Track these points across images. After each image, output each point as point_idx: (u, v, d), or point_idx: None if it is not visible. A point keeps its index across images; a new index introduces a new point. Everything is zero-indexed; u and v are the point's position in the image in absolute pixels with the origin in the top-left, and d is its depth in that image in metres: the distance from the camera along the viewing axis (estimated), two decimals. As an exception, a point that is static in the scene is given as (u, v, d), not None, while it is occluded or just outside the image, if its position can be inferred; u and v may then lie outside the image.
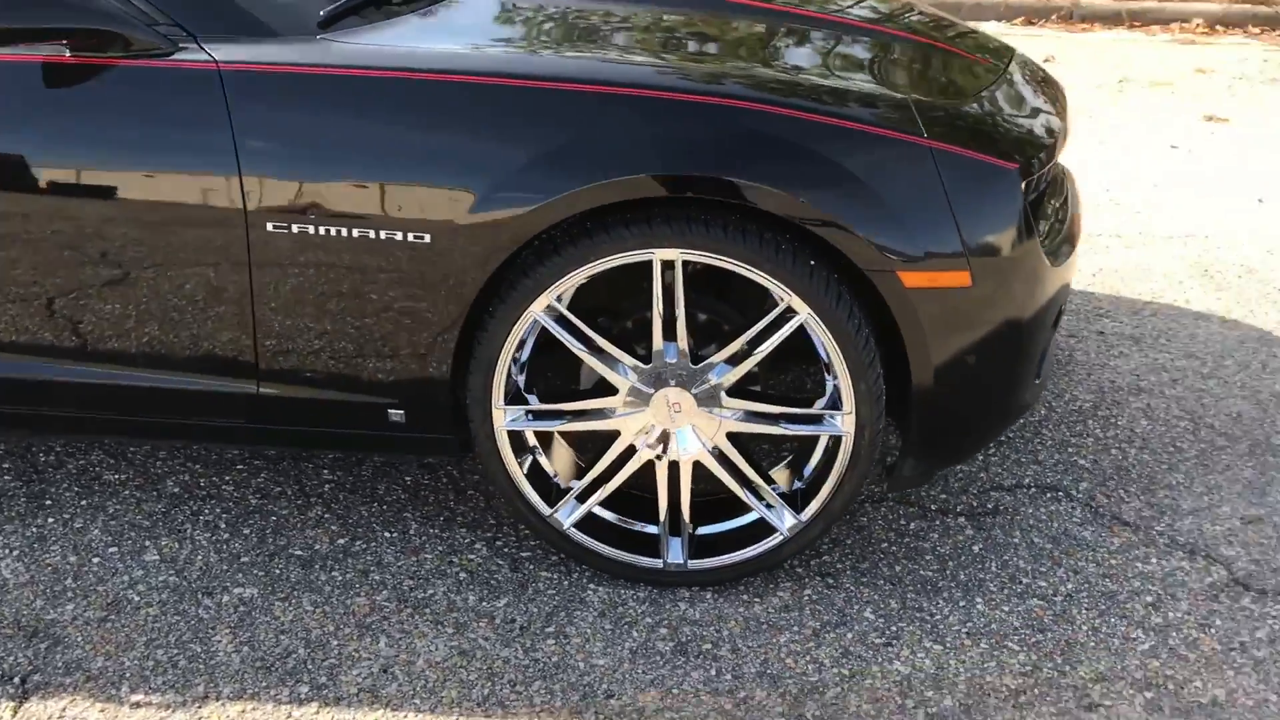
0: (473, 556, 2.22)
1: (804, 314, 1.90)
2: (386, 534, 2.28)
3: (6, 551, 2.21)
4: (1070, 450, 2.56)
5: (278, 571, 2.17)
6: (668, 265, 1.91)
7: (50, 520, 2.30)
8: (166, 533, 2.27)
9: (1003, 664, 1.95)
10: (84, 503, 2.35)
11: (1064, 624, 2.04)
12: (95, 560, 2.19)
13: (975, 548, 2.25)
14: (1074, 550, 2.24)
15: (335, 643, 2.00)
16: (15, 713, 1.84)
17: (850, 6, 2.63)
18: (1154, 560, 2.21)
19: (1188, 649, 1.98)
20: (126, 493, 2.39)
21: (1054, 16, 7.07)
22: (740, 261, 1.88)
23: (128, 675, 1.92)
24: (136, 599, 2.10)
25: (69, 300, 2.04)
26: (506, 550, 2.24)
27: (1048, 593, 2.12)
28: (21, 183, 1.97)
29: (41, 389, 2.13)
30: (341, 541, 2.26)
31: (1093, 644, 1.99)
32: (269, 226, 1.91)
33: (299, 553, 2.23)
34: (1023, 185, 1.97)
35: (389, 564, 2.19)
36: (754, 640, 2.01)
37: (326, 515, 2.34)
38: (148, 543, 2.24)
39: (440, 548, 2.24)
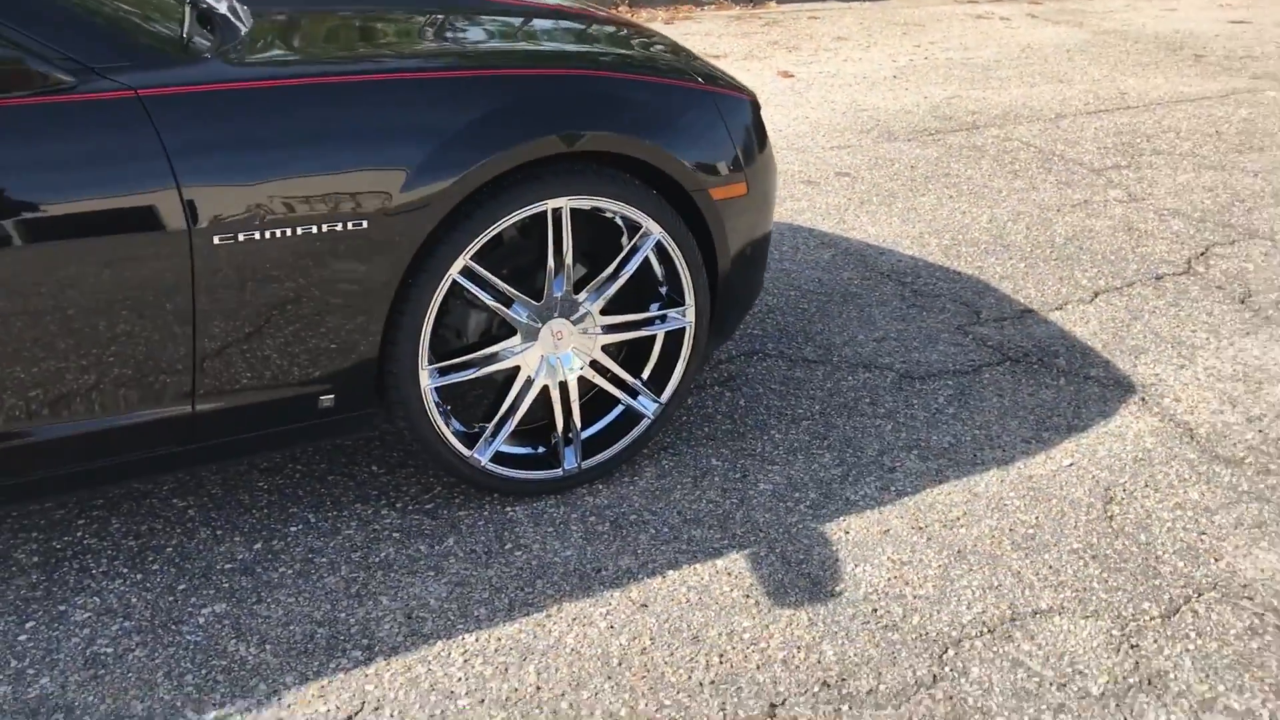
0: (391, 519, 2.43)
1: (657, 233, 2.42)
2: (293, 528, 2.40)
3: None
4: (753, 324, 3.33)
5: (225, 584, 2.22)
6: (556, 213, 2.32)
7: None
8: (75, 593, 2.18)
9: (813, 459, 2.66)
10: (-46, 596, 2.15)
11: (829, 426, 2.80)
12: (29, 638, 2.06)
13: (741, 403, 2.94)
14: (803, 384, 3.02)
15: (343, 614, 2.15)
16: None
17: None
18: (851, 377, 3.06)
19: (921, 412, 2.85)
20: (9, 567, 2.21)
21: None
22: (612, 200, 2.35)
23: (170, 710, 1.92)
24: (111, 650, 2.04)
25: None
26: (412, 507, 2.47)
27: (808, 414, 2.87)
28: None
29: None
30: (258, 546, 2.34)
31: (859, 430, 2.78)
32: (217, 235, 1.98)
33: (230, 565, 2.27)
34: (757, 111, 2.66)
35: (321, 548, 2.33)
36: (659, 503, 2.51)
37: (226, 529, 2.38)
38: (65, 607, 2.14)
39: (354, 523, 2.42)
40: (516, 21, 2.80)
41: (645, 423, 2.58)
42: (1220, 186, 4.59)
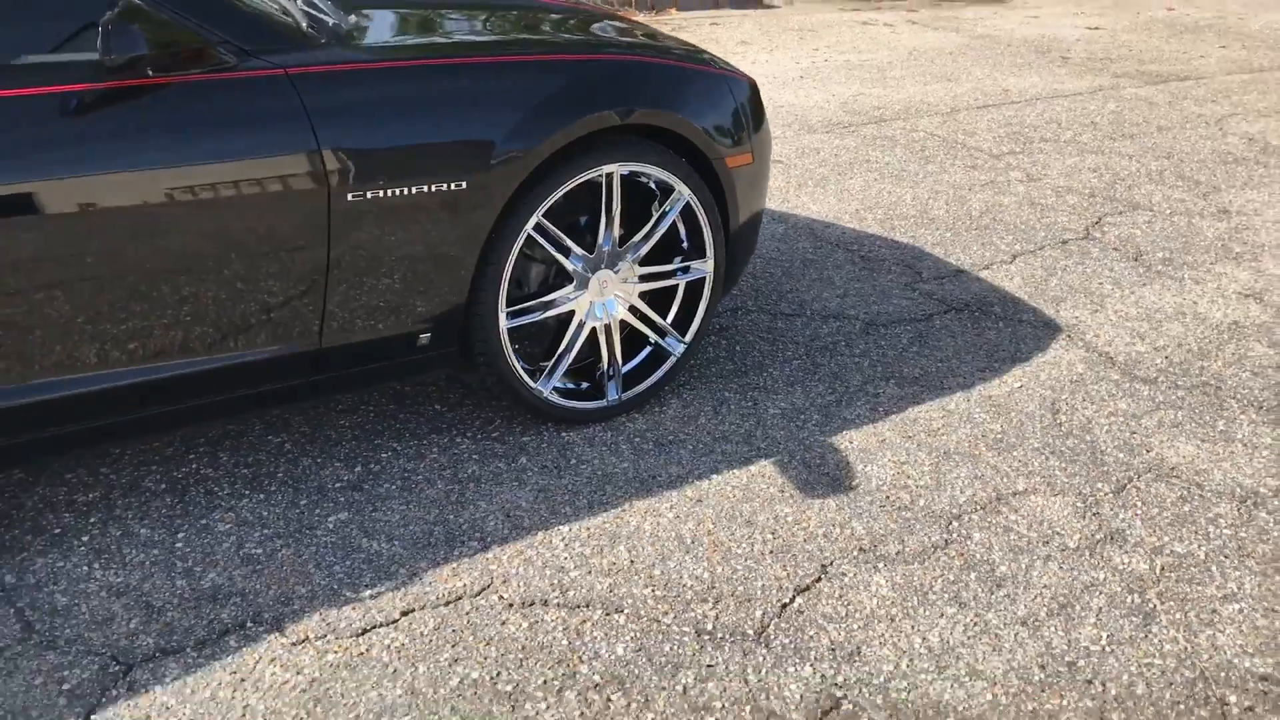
0: (466, 445, 2.82)
1: (686, 195, 2.87)
2: (383, 454, 2.76)
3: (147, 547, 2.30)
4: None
5: (340, 499, 2.57)
6: (609, 178, 2.74)
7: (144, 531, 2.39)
8: (210, 510, 2.51)
9: (809, 389, 3.14)
10: (182, 505, 2.45)
11: (815, 364, 3.28)
12: (185, 545, 2.39)
13: (737, 348, 3.39)
14: (786, 332, 3.49)
15: (451, 516, 2.53)
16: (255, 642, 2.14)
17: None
18: (825, 326, 3.55)
19: (890, 350, 3.35)
20: (156, 490, 2.52)
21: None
22: (653, 166, 2.78)
23: (325, 598, 2.28)
24: (261, 550, 2.39)
25: (141, 305, 2.23)
26: (481, 436, 2.86)
27: (795, 355, 3.34)
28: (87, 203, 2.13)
29: (110, 397, 2.27)
30: (358, 469, 2.70)
31: (842, 366, 3.27)
32: (351, 193, 2.35)
33: (338, 484, 2.63)
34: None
35: (413, 469, 2.70)
36: (689, 427, 2.95)
37: (324, 457, 2.73)
38: (206, 521, 2.47)
39: (435, 449, 2.79)
40: (565, 17, 3.21)
41: (673, 359, 3.01)
42: (1103, 168, 5.26)
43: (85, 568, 2.29)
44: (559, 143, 2.59)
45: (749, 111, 3.03)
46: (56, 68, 2.08)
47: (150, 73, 2.14)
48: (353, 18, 2.73)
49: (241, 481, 2.61)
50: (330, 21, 2.64)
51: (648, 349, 3.01)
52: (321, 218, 2.33)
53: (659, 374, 3.00)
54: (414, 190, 2.42)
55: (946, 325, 3.57)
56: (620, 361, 2.94)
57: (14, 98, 2.02)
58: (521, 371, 2.76)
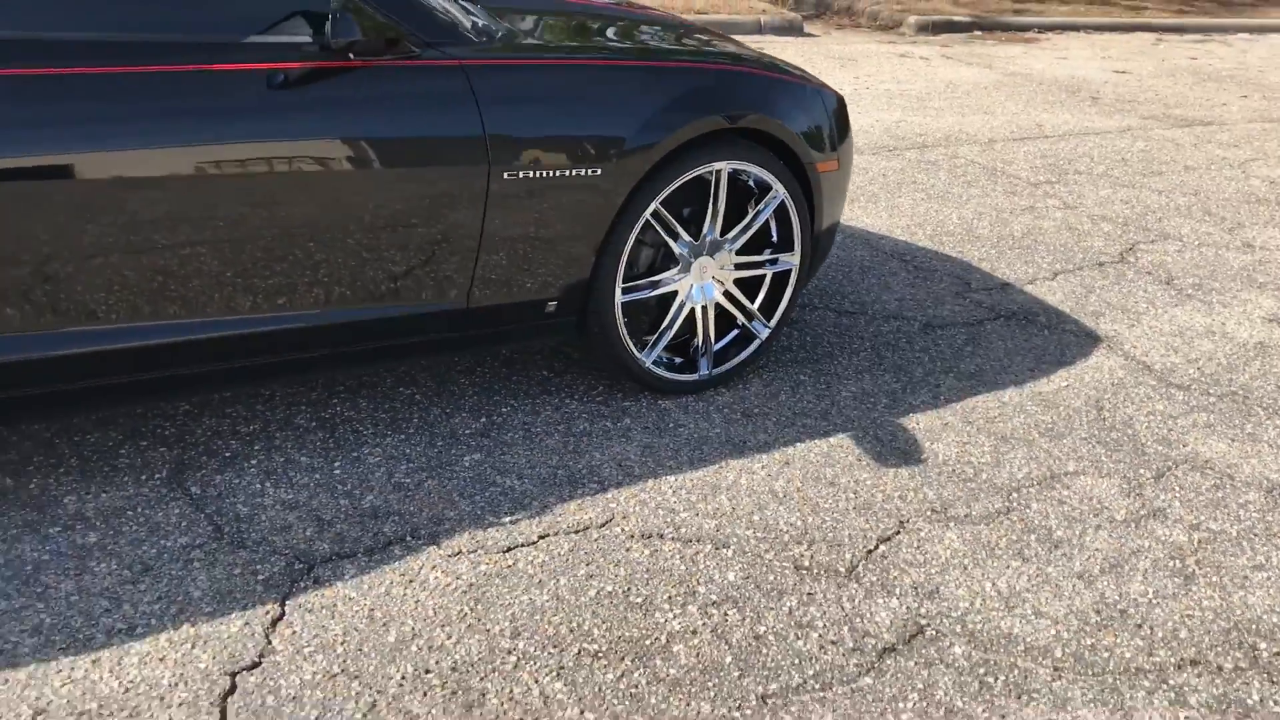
0: (574, 405, 3.14)
1: (782, 194, 3.20)
2: (504, 409, 3.08)
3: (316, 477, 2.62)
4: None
5: (472, 443, 2.90)
6: (717, 174, 3.07)
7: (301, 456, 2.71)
8: (359, 445, 2.83)
9: (876, 377, 3.47)
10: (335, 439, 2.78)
11: (880, 356, 3.61)
12: (342, 472, 2.71)
13: (809, 339, 3.73)
14: (851, 328, 3.83)
15: (570, 462, 2.85)
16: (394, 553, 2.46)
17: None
18: (886, 325, 3.89)
19: (947, 348, 3.68)
20: (306, 425, 2.85)
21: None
22: (755, 165, 3.12)
23: (471, 521, 2.60)
24: (409, 480, 2.71)
25: (325, 254, 2.55)
26: (587, 398, 3.18)
27: (862, 347, 3.67)
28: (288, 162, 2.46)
29: (297, 335, 2.59)
30: (483, 420, 3.02)
31: (905, 359, 3.60)
32: (506, 172, 2.68)
33: (468, 431, 2.95)
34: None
35: (532, 422, 3.02)
36: (771, 402, 3.28)
37: (452, 409, 3.05)
38: (357, 454, 2.80)
39: (548, 408, 3.12)
40: (678, 29, 3.56)
41: (758, 341, 3.34)
42: (1134, 200, 5.61)
43: (258, 485, 2.62)
44: (678, 140, 2.93)
45: (837, 123, 3.37)
46: (279, 47, 2.42)
47: (351, 56, 2.47)
48: (504, 21, 3.06)
49: (382, 424, 2.93)
50: (488, 23, 2.97)
51: (735, 331, 3.34)
52: (481, 192, 2.66)
53: (746, 353, 3.32)
54: (557, 174, 2.76)
55: (996, 330, 3.90)
56: (713, 340, 3.26)
57: (243, 70, 2.36)
58: (629, 343, 3.08)
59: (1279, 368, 3.76)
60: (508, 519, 2.58)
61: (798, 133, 3.18)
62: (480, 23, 2.89)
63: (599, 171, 2.81)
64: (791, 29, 10.35)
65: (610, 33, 3.36)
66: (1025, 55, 10.05)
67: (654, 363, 3.16)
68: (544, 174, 2.73)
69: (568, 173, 2.77)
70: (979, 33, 11.28)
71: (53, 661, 2.02)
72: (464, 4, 3.06)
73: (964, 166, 6.00)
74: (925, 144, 6.43)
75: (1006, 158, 6.26)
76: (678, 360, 3.26)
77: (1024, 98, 8.04)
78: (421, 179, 2.59)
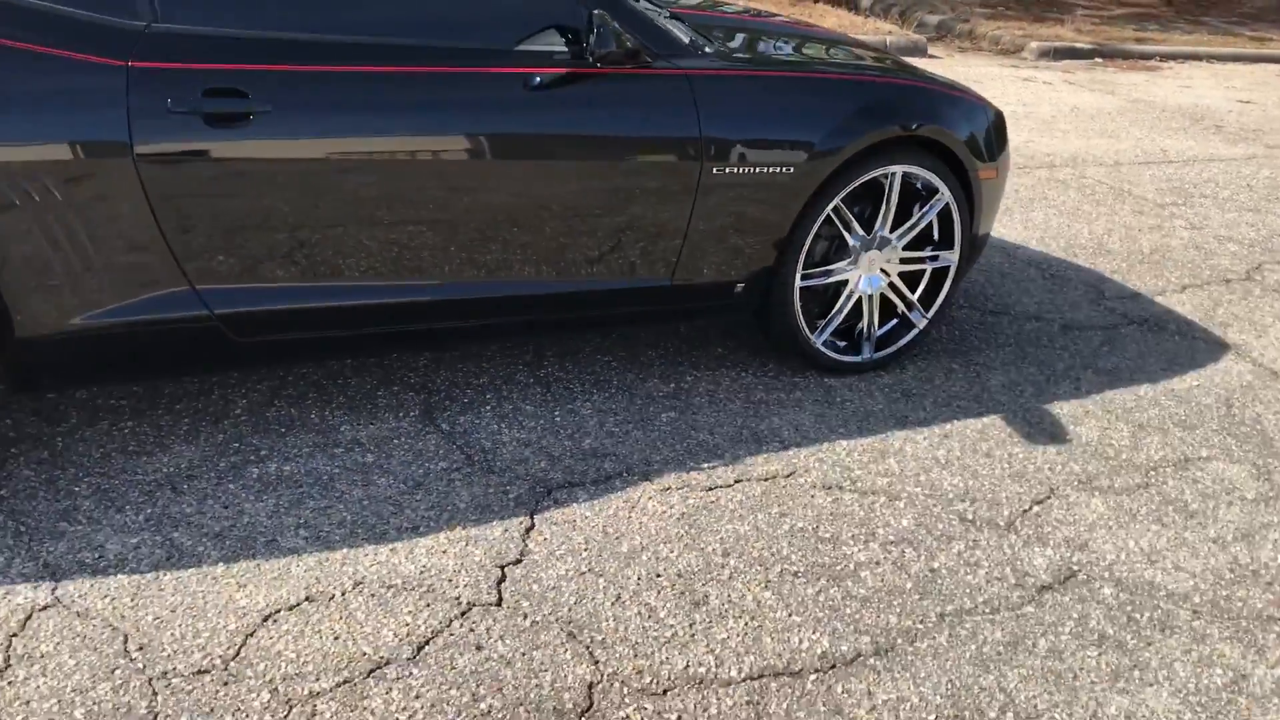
0: (749, 378, 3.54)
1: (947, 197, 3.58)
2: (688, 378, 3.50)
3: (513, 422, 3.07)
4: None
5: (666, 403, 3.31)
6: (890, 176, 3.46)
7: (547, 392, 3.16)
8: (573, 399, 3.27)
9: (1021, 370, 3.81)
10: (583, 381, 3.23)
11: (1024, 352, 3.95)
12: (563, 420, 3.15)
13: (957, 334, 4.08)
14: (995, 327, 4.17)
15: (752, 424, 3.25)
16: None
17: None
18: (1028, 324, 4.22)
19: (1085, 348, 4.00)
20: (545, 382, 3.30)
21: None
22: (925, 170, 3.49)
23: (676, 465, 3.01)
24: (617, 430, 3.13)
25: (561, 231, 2.99)
26: (759, 373, 3.57)
27: (1007, 343, 4.02)
28: (540, 153, 2.90)
29: (530, 301, 3.04)
30: (671, 386, 3.44)
31: (1047, 355, 3.93)
32: (714, 168, 3.10)
33: (661, 394, 3.37)
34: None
35: (714, 390, 3.43)
36: (926, 385, 3.64)
37: (644, 375, 3.47)
38: (571, 406, 3.23)
39: (726, 379, 3.52)
40: (854, 46, 3.96)
41: (916, 330, 3.71)
42: (1260, 224, 5.85)
43: (494, 426, 3.07)
44: (859, 145, 3.32)
45: (997, 135, 3.74)
46: (538, 55, 2.87)
47: (598, 65, 2.92)
48: (709, 36, 3.50)
49: (588, 384, 3.37)
50: (696, 38, 3.40)
51: (893, 320, 3.71)
52: (693, 184, 3.08)
53: (905, 340, 3.70)
54: (756, 171, 3.17)
55: (1130, 334, 4.22)
56: (876, 326, 3.65)
57: (510, 73, 2.81)
58: (804, 324, 3.48)
59: (1401, 379, 4.01)
60: (705, 465, 2.99)
61: (963, 142, 3.55)
62: (693, 38, 3.32)
63: (791, 170, 3.22)
64: (915, 50, 10.66)
65: (800, 48, 3.77)
66: (1148, 83, 10.23)
67: (823, 344, 3.55)
68: (745, 171, 3.15)
69: (765, 170, 3.18)
70: (1100, 60, 11.46)
71: (359, 547, 2.49)
72: (677, 20, 3.49)
73: (1092, 186, 6.29)
74: (1054, 164, 6.72)
75: (1132, 179, 6.52)
76: (841, 344, 3.65)
77: (1147, 123, 8.26)
78: (646, 171, 3.02)
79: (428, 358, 3.40)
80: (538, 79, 2.86)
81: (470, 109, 2.77)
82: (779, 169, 3.20)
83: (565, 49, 2.90)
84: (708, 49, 3.27)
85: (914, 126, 3.41)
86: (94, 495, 2.57)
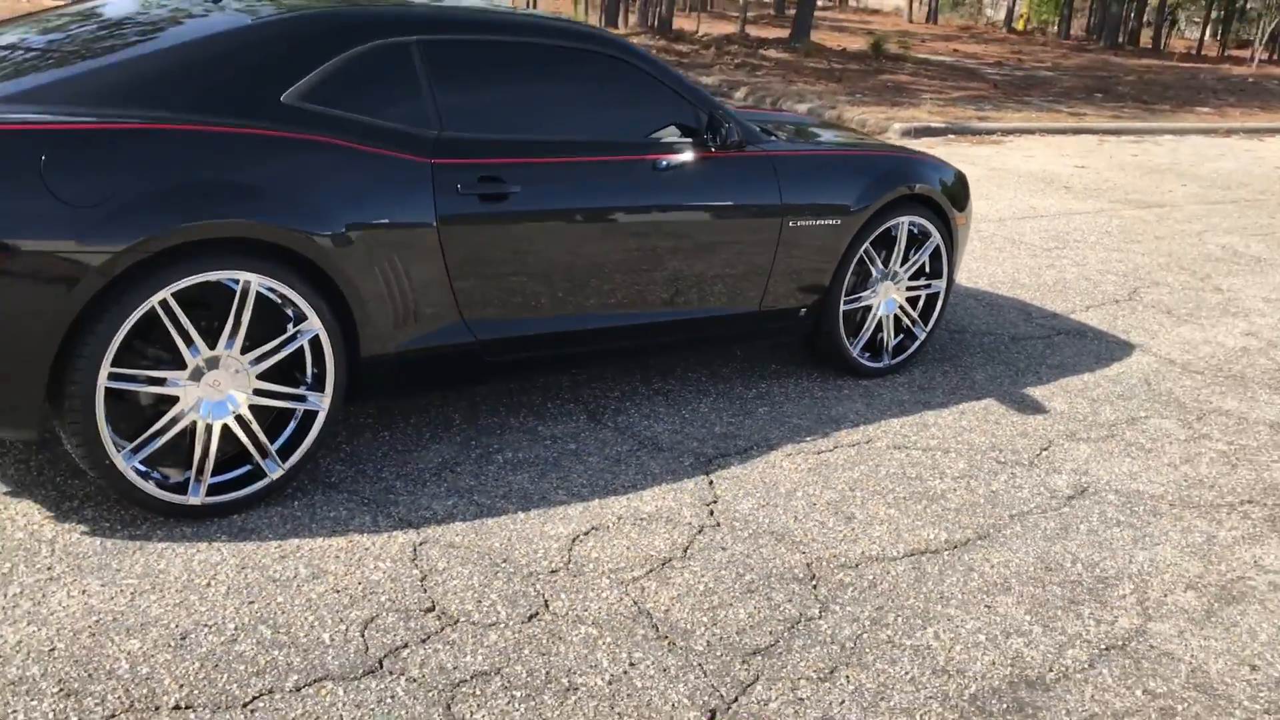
0: (808, 384, 4.62)
1: (937, 238, 4.76)
2: (761, 384, 4.55)
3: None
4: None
5: (756, 403, 4.35)
6: (898, 226, 4.63)
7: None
8: (701, 396, 4.28)
9: (992, 370, 5.00)
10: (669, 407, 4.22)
11: (992, 356, 5.15)
12: (691, 416, 4.16)
13: (936, 347, 5.26)
14: (962, 340, 5.37)
15: (824, 410, 4.31)
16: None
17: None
18: (985, 338, 5.44)
19: (1031, 351, 5.23)
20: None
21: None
22: (922, 219, 4.68)
23: (786, 439, 4.05)
24: (731, 420, 4.16)
25: (685, 274, 4.03)
26: (808, 379, 4.66)
27: (975, 350, 5.22)
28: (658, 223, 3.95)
29: (660, 328, 4.05)
30: (753, 391, 4.48)
31: (1010, 356, 5.14)
32: (790, 223, 4.21)
33: (753, 394, 4.41)
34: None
35: (784, 393, 4.49)
36: (933, 382, 4.79)
37: (732, 380, 4.51)
38: (695, 405, 4.25)
39: (789, 385, 4.59)
40: (853, 132, 5.14)
41: (918, 342, 4.87)
42: (1126, 260, 7.30)
43: (645, 423, 4.05)
44: (881, 202, 4.48)
45: (962, 190, 4.97)
46: (670, 144, 3.93)
47: (714, 150, 4.00)
48: (767, 127, 4.62)
49: (696, 391, 4.38)
50: (763, 130, 4.52)
51: (901, 335, 4.86)
52: (775, 235, 4.18)
53: (912, 348, 4.85)
54: (815, 223, 4.29)
55: (1062, 341, 5.48)
56: (892, 340, 4.79)
57: (649, 159, 3.86)
58: (846, 340, 4.59)
59: (1260, 361, 5.38)
60: (808, 439, 4.04)
61: (946, 196, 4.75)
62: (765, 129, 4.45)
63: (838, 223, 4.35)
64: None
65: (828, 134, 4.96)
66: (998, 154, 11.91)
67: (857, 354, 4.67)
68: (808, 223, 4.26)
69: (820, 222, 4.30)
70: (952, 136, 13.16)
71: (606, 498, 3.43)
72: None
73: (989, 237, 7.66)
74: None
75: (1019, 231, 7.94)
76: (867, 354, 4.77)
77: (1011, 187, 9.81)
78: (745, 227, 4.10)
79: (569, 379, 4.36)
80: (669, 161, 3.92)
81: (633, 184, 3.80)
82: (830, 221, 4.32)
83: (688, 139, 3.97)
84: (773, 138, 4.39)
85: (915, 187, 4.59)
86: (399, 479, 3.45)
